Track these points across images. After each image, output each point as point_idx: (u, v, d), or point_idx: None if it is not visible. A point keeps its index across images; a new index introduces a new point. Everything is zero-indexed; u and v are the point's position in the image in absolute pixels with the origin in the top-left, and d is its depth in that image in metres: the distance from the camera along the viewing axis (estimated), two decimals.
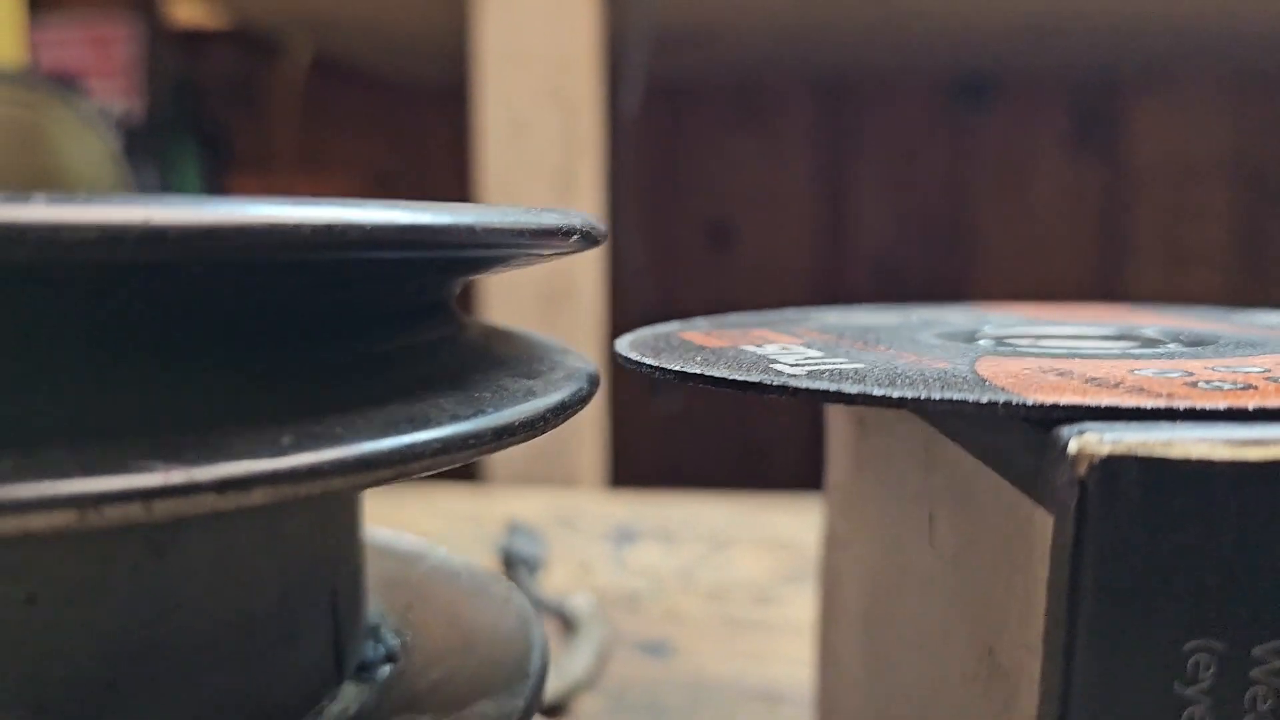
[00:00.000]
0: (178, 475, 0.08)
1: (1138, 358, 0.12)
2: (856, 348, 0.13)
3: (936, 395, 0.10)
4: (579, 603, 0.29)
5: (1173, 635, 0.09)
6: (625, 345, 0.14)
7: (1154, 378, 0.11)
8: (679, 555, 0.36)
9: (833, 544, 0.18)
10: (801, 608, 0.31)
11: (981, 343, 0.14)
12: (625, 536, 0.38)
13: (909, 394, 0.10)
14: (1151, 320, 0.17)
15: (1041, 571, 0.09)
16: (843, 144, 0.98)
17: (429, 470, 0.10)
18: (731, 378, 0.11)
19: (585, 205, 0.50)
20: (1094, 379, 0.11)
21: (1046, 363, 0.12)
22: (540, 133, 0.49)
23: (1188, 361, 0.12)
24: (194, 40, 1.04)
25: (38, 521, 0.08)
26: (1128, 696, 0.09)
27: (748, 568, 0.34)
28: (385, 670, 0.15)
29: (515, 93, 0.49)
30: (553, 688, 0.25)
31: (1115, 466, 0.09)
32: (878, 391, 0.10)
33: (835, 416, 0.18)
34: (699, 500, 0.43)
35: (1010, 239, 0.96)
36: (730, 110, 0.99)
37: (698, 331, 0.15)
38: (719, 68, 0.91)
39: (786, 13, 0.67)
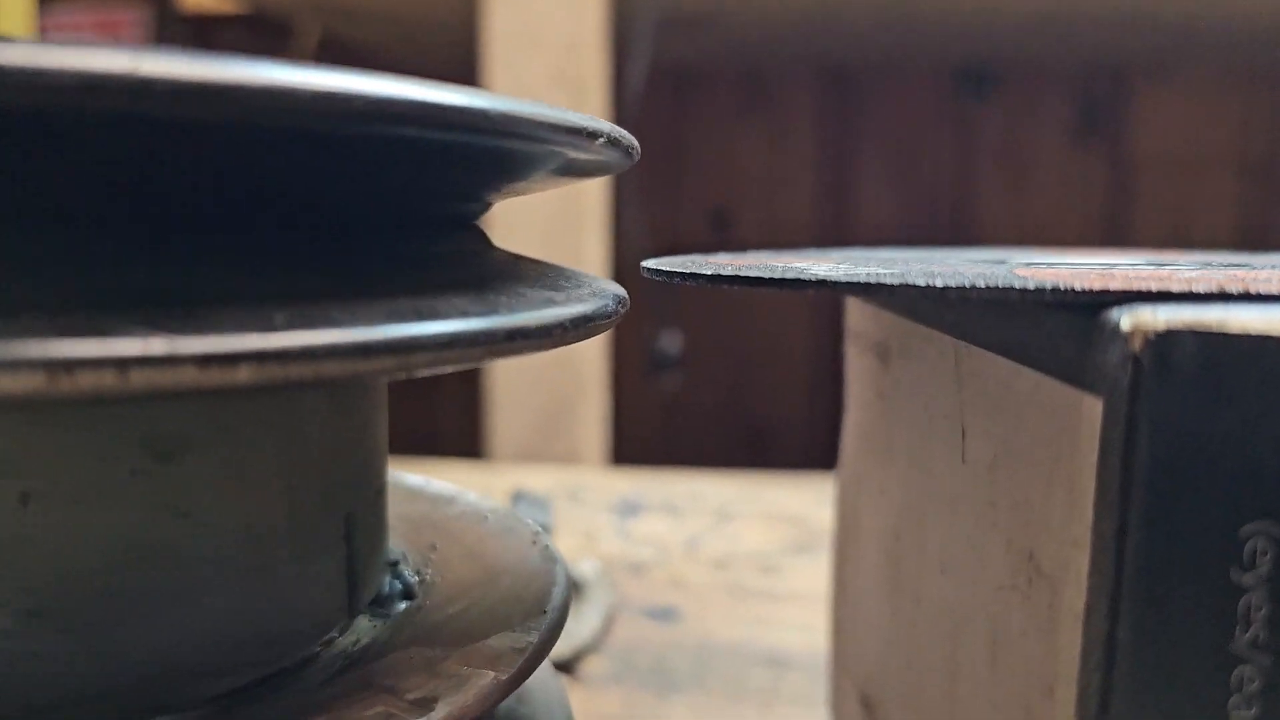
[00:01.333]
0: (158, 345, 0.08)
1: (1178, 268, 0.12)
2: (886, 266, 0.13)
3: (981, 284, 0.10)
4: (585, 568, 0.28)
5: (1229, 518, 0.08)
6: (652, 262, 0.13)
7: (1199, 275, 0.10)
8: (684, 527, 0.35)
9: (850, 487, 0.18)
10: (806, 578, 0.31)
11: (1013, 262, 0.14)
12: (630, 509, 0.37)
13: (954, 283, 0.10)
14: (1180, 257, 0.17)
15: (1088, 461, 0.09)
16: (846, 131, 0.98)
17: (433, 366, 0.10)
18: (766, 276, 0.11)
19: (591, 186, 0.50)
20: (1138, 277, 0.10)
21: (1087, 270, 0.11)
22: None
23: (1228, 270, 0.12)
24: (203, 24, 1.04)
25: (5, 384, 0.07)
26: (1182, 585, 0.09)
27: (752, 539, 0.34)
28: (401, 605, 0.15)
29: (523, 75, 0.50)
30: (560, 650, 0.25)
31: (1170, 341, 0.08)
32: (921, 281, 0.10)
33: (854, 354, 0.17)
34: (703, 476, 0.42)
35: (1012, 229, 0.95)
36: (734, 96, 0.99)
37: (722, 258, 0.15)
38: (724, 54, 0.90)
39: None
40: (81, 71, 0.07)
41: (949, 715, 0.12)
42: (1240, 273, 0.11)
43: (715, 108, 0.99)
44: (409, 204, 0.12)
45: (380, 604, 0.15)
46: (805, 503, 0.38)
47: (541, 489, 0.39)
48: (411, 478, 0.19)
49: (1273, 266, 0.13)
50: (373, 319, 0.09)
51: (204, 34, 1.03)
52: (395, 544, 0.16)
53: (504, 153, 0.11)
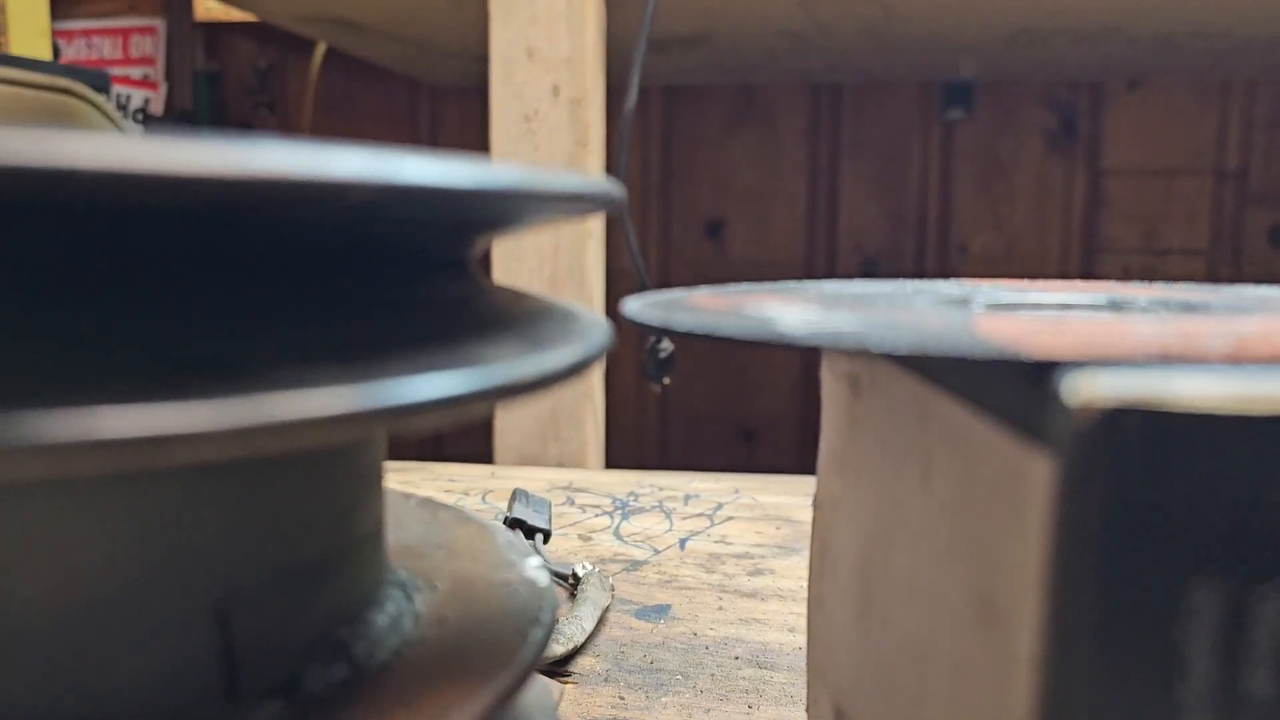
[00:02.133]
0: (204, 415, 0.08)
1: (1131, 319, 0.12)
2: (854, 310, 0.13)
3: (933, 347, 0.10)
4: (580, 568, 0.29)
5: (1173, 576, 0.09)
6: (632, 308, 0.14)
7: (1149, 335, 0.11)
8: (676, 527, 0.36)
9: (825, 505, 0.18)
10: (793, 578, 0.31)
11: (975, 307, 0.14)
12: (624, 510, 0.38)
13: (908, 347, 0.10)
14: (1139, 293, 0.17)
15: (1039, 516, 0.10)
16: (834, 143, 0.99)
17: (415, 427, 0.10)
18: (735, 335, 0.11)
19: None
20: (1089, 335, 0.11)
21: (1041, 322, 0.12)
22: (549, 125, 0.51)
23: (1181, 322, 0.12)
24: (216, 34, 1.04)
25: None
26: (1128, 636, 0.09)
27: (742, 539, 0.35)
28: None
29: (526, 87, 0.51)
30: (554, 649, 0.26)
31: (1118, 416, 0.09)
32: (876, 344, 0.10)
33: (829, 379, 0.18)
34: (695, 478, 0.43)
35: (993, 236, 0.97)
36: (727, 110, 1.00)
37: (701, 296, 0.16)
38: (716, 70, 0.91)
39: (781, 17, 0.67)
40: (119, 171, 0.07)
41: None
42: (1192, 325, 0.12)
43: (708, 121, 1.00)
44: (399, 254, 0.12)
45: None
46: (794, 503, 0.39)
47: (540, 490, 0.40)
48: (396, 499, 0.19)
49: (1227, 308, 0.14)
50: (372, 376, 0.09)
51: (216, 44, 1.04)
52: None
53: (493, 218, 0.11)
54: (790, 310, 0.13)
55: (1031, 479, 0.10)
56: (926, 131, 0.97)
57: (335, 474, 0.13)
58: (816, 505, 0.19)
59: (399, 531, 0.18)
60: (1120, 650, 0.09)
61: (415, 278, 0.12)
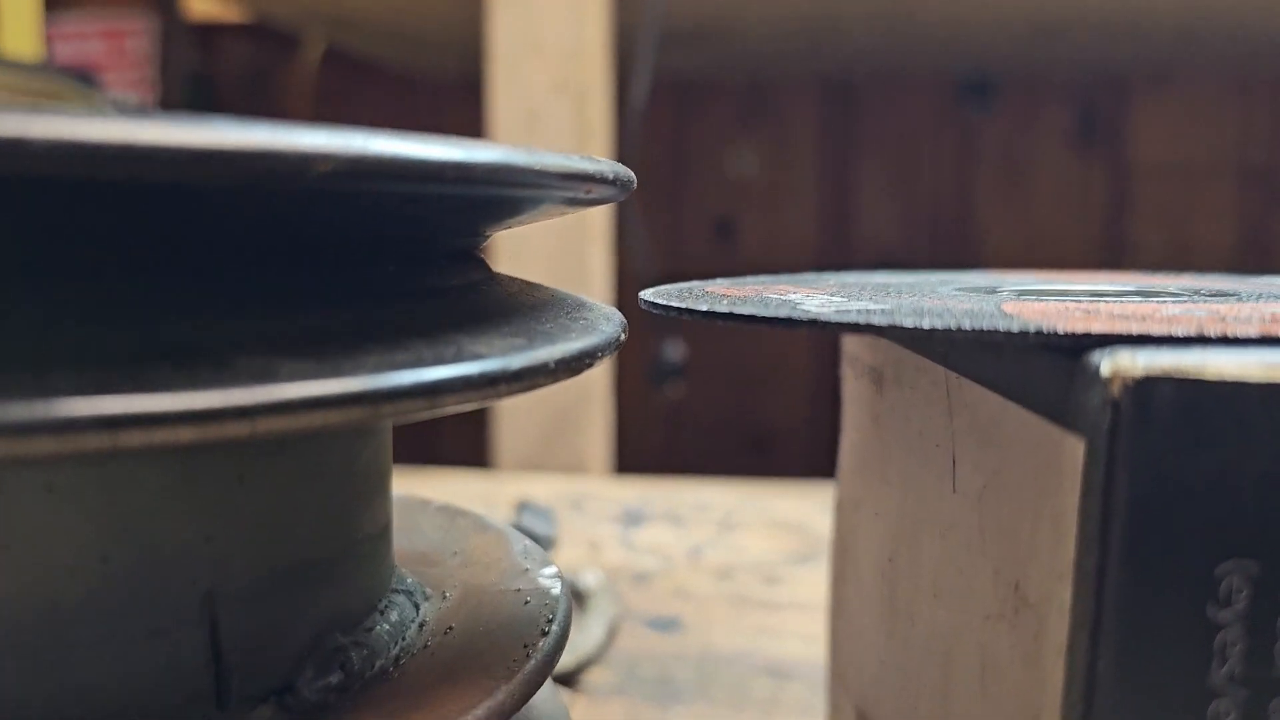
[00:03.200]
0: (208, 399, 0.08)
1: (1162, 303, 0.12)
2: (879, 297, 0.13)
3: (967, 325, 0.10)
4: (589, 578, 0.29)
5: (1205, 556, 0.09)
6: (649, 294, 0.14)
7: (1181, 315, 0.11)
8: (687, 536, 0.36)
9: (847, 507, 0.18)
10: (808, 587, 0.31)
11: (1003, 293, 0.14)
12: (634, 518, 0.38)
13: (939, 324, 0.10)
14: (1167, 281, 0.17)
15: (1072, 497, 0.09)
16: (847, 142, 0.98)
17: (431, 410, 0.09)
18: (759, 315, 0.11)
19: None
20: (1121, 315, 0.11)
21: (1071, 304, 0.12)
22: (552, 122, 0.50)
23: (1212, 304, 0.12)
24: (209, 34, 1.04)
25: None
26: (1161, 620, 0.09)
27: (755, 549, 0.35)
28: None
29: (528, 83, 0.50)
30: (564, 661, 0.25)
31: (1149, 387, 0.09)
32: (908, 322, 0.10)
33: (850, 377, 0.18)
34: (706, 485, 0.43)
35: (1013, 238, 0.96)
36: (737, 107, 0.99)
37: (718, 286, 0.15)
38: (726, 65, 0.91)
39: (793, 11, 0.67)
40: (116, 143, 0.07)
41: None
42: (1223, 307, 0.12)
43: (718, 118, 1.00)
44: (412, 243, 0.12)
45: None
46: (808, 511, 0.38)
47: (546, 499, 0.40)
48: (408, 502, 0.19)
49: (1258, 296, 0.13)
50: (374, 366, 0.09)
51: (209, 44, 1.04)
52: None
53: (503, 199, 0.11)
54: (814, 296, 0.13)
55: (1064, 459, 0.10)
56: (943, 130, 0.96)
57: (331, 472, 0.13)
58: (837, 508, 0.19)
59: (413, 537, 0.18)
60: (1151, 632, 0.09)
61: (419, 266, 0.12)
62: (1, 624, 0.10)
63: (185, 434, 0.07)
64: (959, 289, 0.15)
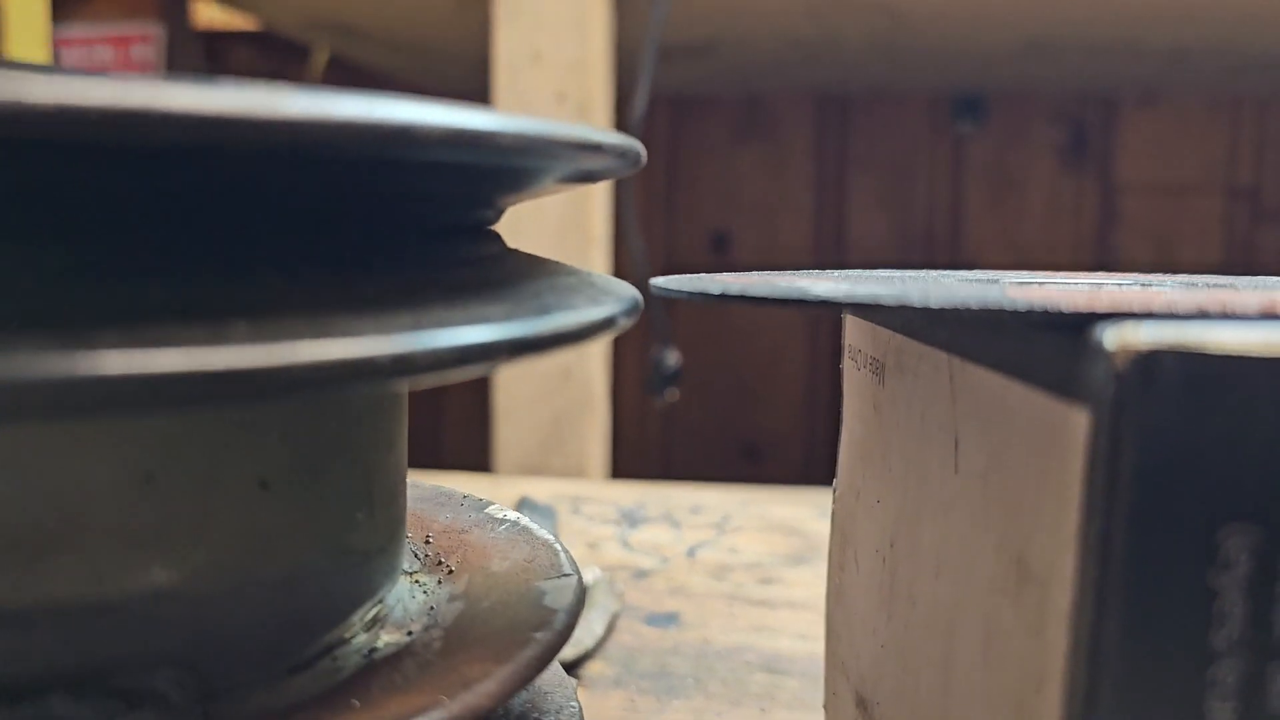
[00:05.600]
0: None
1: (1163, 289, 0.13)
2: (884, 284, 0.13)
3: (974, 304, 0.10)
4: (588, 574, 0.29)
5: (1207, 523, 0.09)
6: (660, 281, 0.14)
7: (1182, 296, 0.11)
8: (684, 537, 0.36)
9: (847, 496, 0.18)
10: (804, 588, 0.31)
11: (1004, 283, 0.14)
12: (631, 520, 0.38)
13: (947, 303, 0.10)
14: (1165, 278, 0.17)
15: (1075, 470, 0.10)
16: (842, 156, 0.99)
17: (467, 371, 0.10)
18: (771, 295, 0.11)
19: (596, 203, 0.51)
20: (1125, 296, 0.11)
21: (1075, 289, 0.12)
22: None
23: (1212, 290, 0.12)
24: (216, 42, 1.04)
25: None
26: (1162, 585, 0.09)
27: (751, 550, 0.35)
28: (416, 609, 0.15)
29: (530, 93, 0.51)
30: (563, 653, 0.25)
31: (1153, 360, 0.09)
32: (916, 301, 0.10)
33: (851, 369, 0.18)
34: (702, 490, 0.43)
35: (1003, 252, 0.97)
36: (733, 121, 1.00)
37: (725, 276, 0.16)
38: (723, 80, 0.92)
39: (789, 27, 0.68)
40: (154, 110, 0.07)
41: (943, 711, 0.13)
42: (1223, 294, 0.12)
43: (715, 132, 1.00)
44: (434, 212, 0.12)
45: (393, 607, 0.15)
46: (802, 515, 0.39)
47: (545, 500, 0.40)
48: (430, 485, 0.20)
49: (1254, 286, 0.14)
50: (426, 324, 0.09)
51: (216, 52, 1.04)
52: (411, 549, 0.17)
53: (517, 167, 0.11)
54: (822, 282, 0.13)
55: (1068, 434, 0.10)
56: (936, 145, 0.97)
57: (346, 450, 0.13)
58: (837, 498, 0.19)
59: (430, 520, 0.18)
60: (1154, 597, 0.09)
61: (433, 238, 0.12)
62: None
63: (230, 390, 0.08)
64: (961, 279, 0.15)
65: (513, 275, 0.12)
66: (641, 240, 0.58)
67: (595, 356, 0.50)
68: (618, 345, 0.58)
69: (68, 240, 0.09)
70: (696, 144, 1.00)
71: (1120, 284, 0.15)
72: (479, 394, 0.62)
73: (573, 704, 0.16)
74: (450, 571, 0.16)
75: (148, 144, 0.08)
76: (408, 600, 0.14)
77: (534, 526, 0.18)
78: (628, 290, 0.13)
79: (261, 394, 0.08)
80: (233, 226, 0.10)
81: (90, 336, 0.08)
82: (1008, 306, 0.10)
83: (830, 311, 0.11)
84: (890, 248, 0.98)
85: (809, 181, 0.99)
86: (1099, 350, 0.09)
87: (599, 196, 0.51)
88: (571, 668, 0.25)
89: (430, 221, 0.12)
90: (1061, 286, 0.14)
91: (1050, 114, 0.95)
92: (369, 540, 0.14)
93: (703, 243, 1.01)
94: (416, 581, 0.15)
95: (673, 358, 0.55)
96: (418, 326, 0.09)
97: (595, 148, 0.11)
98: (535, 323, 0.10)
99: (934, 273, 0.18)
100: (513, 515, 0.18)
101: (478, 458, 0.56)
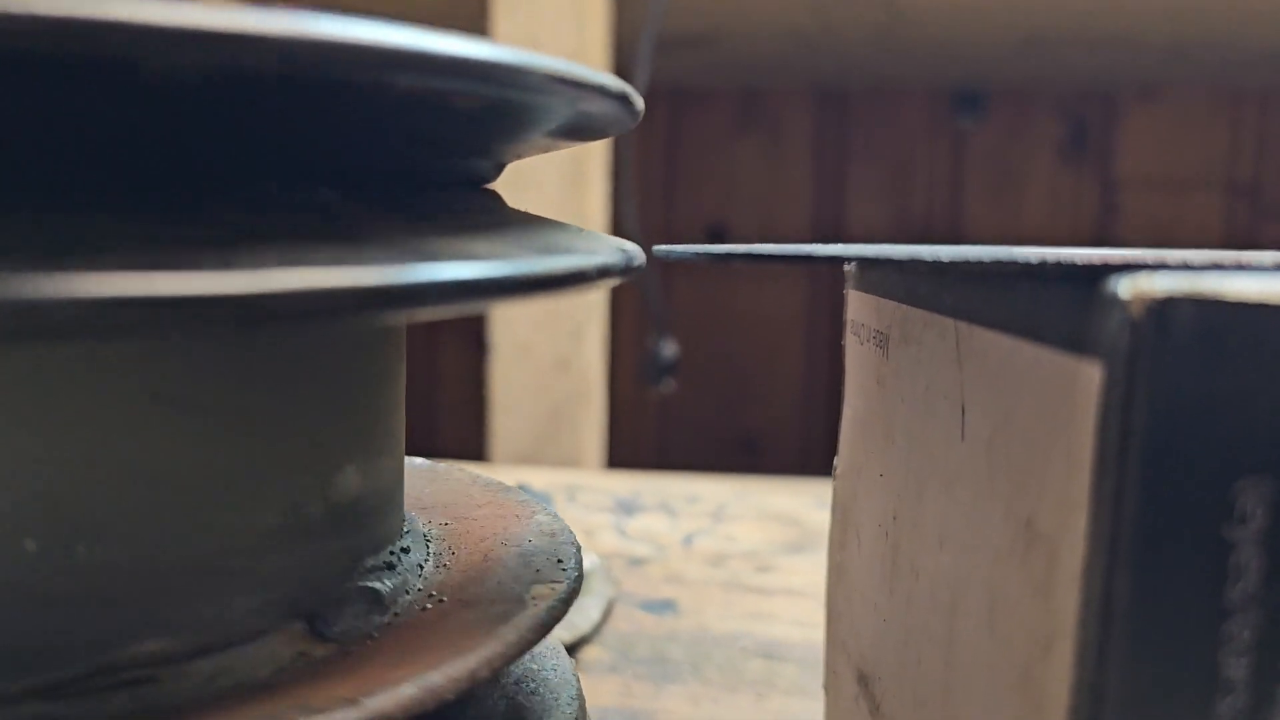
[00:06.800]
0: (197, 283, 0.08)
1: (1173, 254, 0.12)
2: (892, 251, 0.13)
3: (986, 258, 0.10)
4: (585, 560, 0.29)
5: (1222, 476, 0.09)
6: (663, 249, 0.14)
7: (1195, 255, 0.11)
8: (680, 526, 0.36)
9: (848, 474, 0.18)
10: (800, 576, 0.31)
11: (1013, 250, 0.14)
12: (627, 508, 0.38)
13: (958, 257, 0.10)
14: (1173, 255, 0.17)
15: (1086, 427, 0.10)
16: (841, 149, 0.99)
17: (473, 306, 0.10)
18: (779, 254, 0.11)
19: (594, 194, 0.51)
20: (1136, 255, 0.11)
21: (1083, 254, 0.12)
22: None
23: (1221, 253, 0.12)
24: None
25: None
26: (1176, 540, 0.09)
27: (747, 539, 0.35)
28: (419, 569, 0.15)
29: None
30: (559, 638, 0.25)
31: (1169, 308, 0.09)
32: (927, 256, 0.10)
33: (854, 343, 0.18)
34: (699, 479, 0.43)
35: (1002, 245, 0.96)
36: (732, 113, 1.00)
37: (731, 246, 0.15)
38: (722, 72, 0.92)
39: (788, 20, 0.68)
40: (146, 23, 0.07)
41: (945, 683, 0.13)
42: (1234, 255, 0.12)
43: (713, 124, 1.00)
44: (430, 158, 0.12)
45: (393, 568, 0.15)
46: (800, 505, 0.38)
47: (539, 488, 0.40)
48: (423, 460, 0.19)
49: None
50: (433, 254, 0.09)
51: None
52: (412, 519, 0.17)
53: (516, 104, 0.11)
54: (829, 246, 0.13)
55: (1079, 390, 0.10)
56: (935, 139, 0.97)
57: (334, 409, 0.13)
58: (837, 476, 0.19)
59: (431, 494, 0.18)
60: (1168, 552, 0.09)
61: (430, 185, 0.12)
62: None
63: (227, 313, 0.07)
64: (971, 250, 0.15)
65: (512, 221, 0.12)
66: (639, 232, 0.58)
67: (593, 347, 0.49)
68: (615, 336, 0.58)
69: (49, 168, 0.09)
70: (695, 136, 1.00)
71: (1131, 256, 0.15)
72: (475, 383, 0.62)
73: (571, 677, 0.16)
74: (446, 542, 0.15)
75: (125, 63, 0.07)
76: (404, 563, 0.14)
77: (533, 499, 0.17)
78: (629, 245, 0.12)
79: (244, 321, 0.07)
80: (205, 162, 0.10)
81: (92, 260, 0.07)
82: (1020, 259, 0.10)
83: (838, 266, 0.11)
84: (889, 242, 0.98)
85: (808, 175, 0.99)
86: (1113, 300, 0.09)
87: (597, 184, 0.50)
88: (568, 653, 0.25)
89: (426, 167, 0.12)
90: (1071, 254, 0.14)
91: (1050, 109, 0.94)
92: (360, 492, 0.13)
93: (701, 235, 1.00)
94: (413, 545, 0.15)
95: (670, 348, 0.55)
96: (411, 259, 0.08)
97: (595, 88, 0.11)
98: (534, 262, 0.10)
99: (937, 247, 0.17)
100: (511, 485, 0.18)
101: (474, 447, 0.56)
